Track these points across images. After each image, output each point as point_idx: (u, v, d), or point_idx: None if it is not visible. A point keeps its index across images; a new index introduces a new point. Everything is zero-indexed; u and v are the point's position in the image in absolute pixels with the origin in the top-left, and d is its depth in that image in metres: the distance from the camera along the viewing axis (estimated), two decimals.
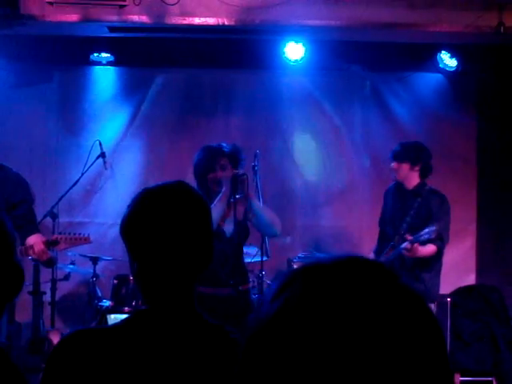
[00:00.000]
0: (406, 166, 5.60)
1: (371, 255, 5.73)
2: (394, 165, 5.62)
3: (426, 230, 5.33)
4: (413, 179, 5.64)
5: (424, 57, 7.07)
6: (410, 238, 5.35)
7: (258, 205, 5.03)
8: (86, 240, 5.14)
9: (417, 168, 5.61)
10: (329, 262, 0.90)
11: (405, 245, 5.38)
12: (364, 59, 7.05)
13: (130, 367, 1.77)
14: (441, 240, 5.46)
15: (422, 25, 6.25)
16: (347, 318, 0.83)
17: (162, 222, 1.85)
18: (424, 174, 5.65)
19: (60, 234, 5.16)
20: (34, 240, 4.95)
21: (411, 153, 5.61)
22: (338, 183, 7.49)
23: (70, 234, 5.33)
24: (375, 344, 0.82)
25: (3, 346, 1.47)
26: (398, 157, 5.61)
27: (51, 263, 5.29)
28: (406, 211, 5.61)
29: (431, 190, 5.68)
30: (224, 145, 4.98)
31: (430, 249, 5.43)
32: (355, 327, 0.83)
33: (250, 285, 5.32)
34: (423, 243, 5.38)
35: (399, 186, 5.73)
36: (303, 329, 0.83)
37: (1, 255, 1.47)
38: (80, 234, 5.25)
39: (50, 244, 5.01)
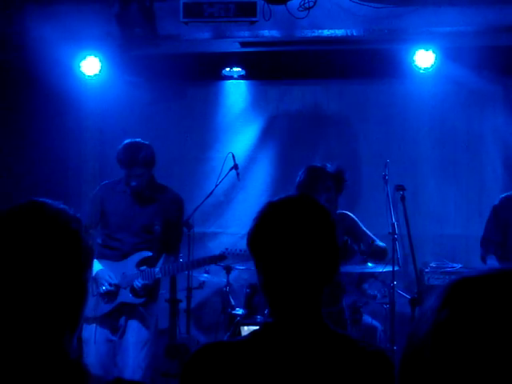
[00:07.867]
0: None
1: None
2: None
3: None
4: None
5: None
6: None
7: None
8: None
9: None
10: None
11: None
12: (495, 63, 6.85)
13: (259, 380, 1.82)
14: None
15: None
16: None
17: (287, 236, 1.85)
18: None
19: (227, 249, 5.53)
20: None
21: None
22: (469, 190, 7.31)
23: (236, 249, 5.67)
24: None
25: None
26: None
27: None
28: None
29: None
30: (328, 165, 4.90)
31: None
32: None
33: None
34: None
35: None
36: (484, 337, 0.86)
37: (70, 271, 1.46)
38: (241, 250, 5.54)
39: (218, 259, 5.42)
